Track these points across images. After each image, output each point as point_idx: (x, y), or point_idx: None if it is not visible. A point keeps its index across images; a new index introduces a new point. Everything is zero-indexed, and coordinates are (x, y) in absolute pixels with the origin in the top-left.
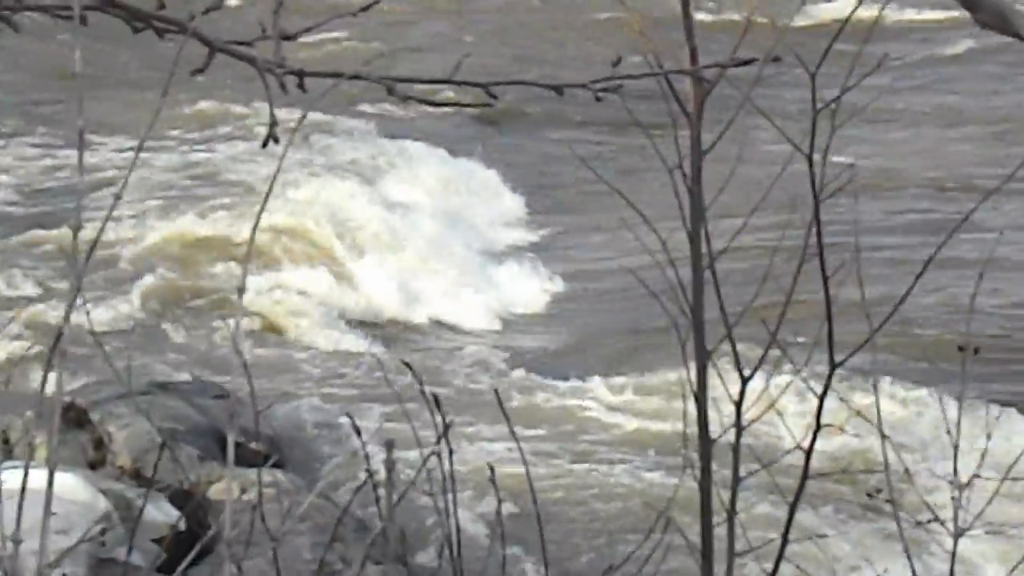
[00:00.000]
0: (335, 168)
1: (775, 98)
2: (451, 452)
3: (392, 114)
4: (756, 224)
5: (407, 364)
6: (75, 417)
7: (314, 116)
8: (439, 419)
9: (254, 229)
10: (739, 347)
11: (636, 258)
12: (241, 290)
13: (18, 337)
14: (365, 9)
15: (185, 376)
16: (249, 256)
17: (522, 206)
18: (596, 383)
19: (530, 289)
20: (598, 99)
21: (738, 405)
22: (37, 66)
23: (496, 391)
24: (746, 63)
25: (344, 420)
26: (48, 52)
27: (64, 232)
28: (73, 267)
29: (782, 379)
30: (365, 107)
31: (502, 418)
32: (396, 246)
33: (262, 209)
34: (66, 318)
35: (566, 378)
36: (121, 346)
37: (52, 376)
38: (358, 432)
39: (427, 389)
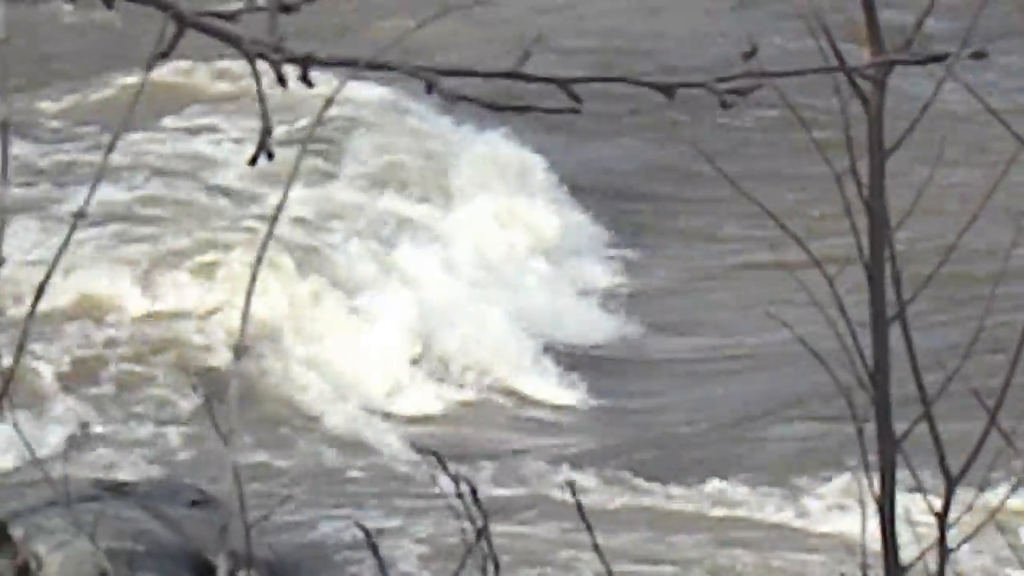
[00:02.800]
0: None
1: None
2: (496, 566)
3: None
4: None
5: (435, 454)
6: None
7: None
8: (476, 517)
9: (255, 273)
10: (941, 431)
11: (778, 301)
12: (239, 350)
13: None
14: None
15: (147, 474)
16: (248, 306)
17: (592, 223)
18: (718, 482)
19: (613, 348)
20: (725, 105)
21: (942, 517)
22: None
23: (572, 485)
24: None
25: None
26: None
27: None
28: None
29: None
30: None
31: (577, 523)
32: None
33: (264, 247)
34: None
35: (670, 475)
36: (55, 430)
37: None
38: (376, 552)
39: (462, 481)
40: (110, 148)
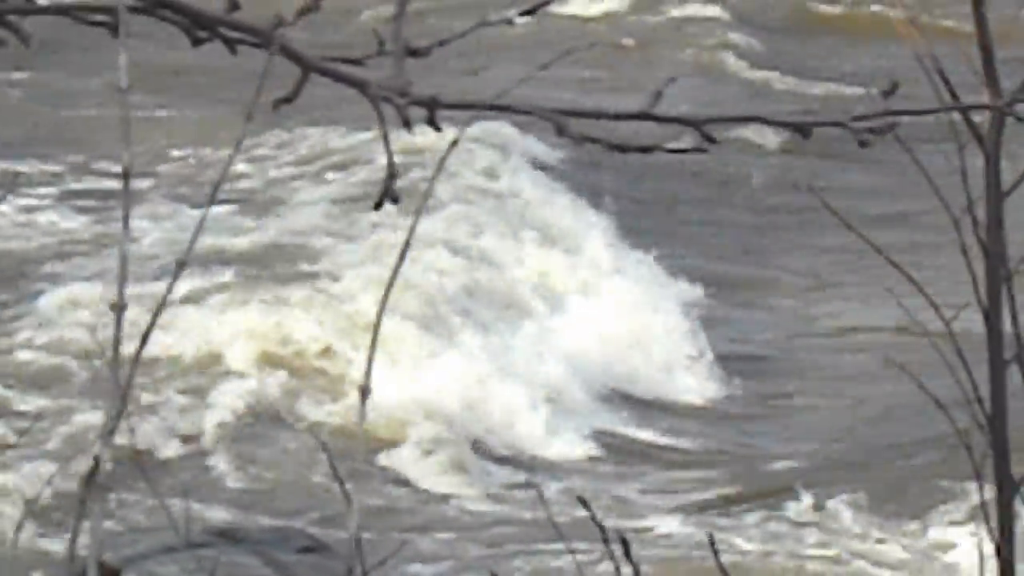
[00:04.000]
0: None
1: None
2: None
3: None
4: None
5: (582, 500)
6: None
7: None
8: (628, 572)
9: (380, 313)
10: None
11: (884, 341)
12: (365, 391)
13: (30, 460)
14: (530, 12)
15: (258, 519)
16: (375, 347)
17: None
18: (839, 523)
19: (716, 391)
20: (863, 144)
21: None
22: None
23: (711, 537)
24: None
25: None
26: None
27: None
28: (114, 365)
29: None
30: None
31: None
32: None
33: (391, 286)
34: (105, 441)
35: (786, 518)
36: (171, 476)
37: (86, 526)
38: None
39: (610, 530)
40: (212, 198)
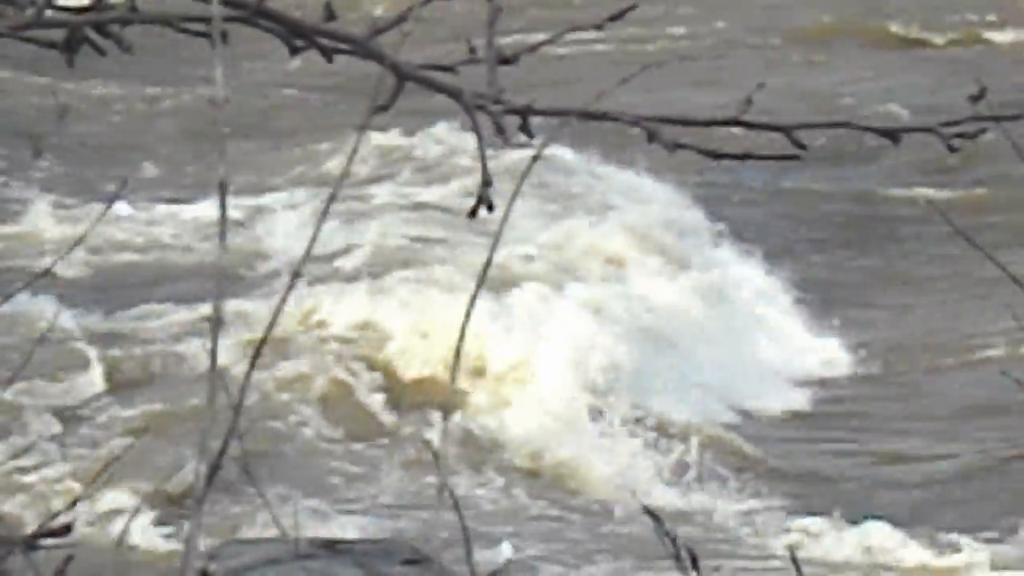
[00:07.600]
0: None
1: None
2: None
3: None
4: None
5: (650, 512)
6: None
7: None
8: None
9: (463, 330)
10: None
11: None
12: (448, 409)
13: (128, 477)
14: (617, 16)
15: (362, 531)
16: (458, 362)
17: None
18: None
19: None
20: (952, 149)
21: None
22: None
23: (791, 550)
24: None
25: None
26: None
27: (196, 322)
28: (211, 377)
29: None
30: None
31: None
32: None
33: (473, 300)
34: (212, 467)
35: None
36: (276, 488)
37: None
38: None
39: (680, 541)
40: (326, 208)
